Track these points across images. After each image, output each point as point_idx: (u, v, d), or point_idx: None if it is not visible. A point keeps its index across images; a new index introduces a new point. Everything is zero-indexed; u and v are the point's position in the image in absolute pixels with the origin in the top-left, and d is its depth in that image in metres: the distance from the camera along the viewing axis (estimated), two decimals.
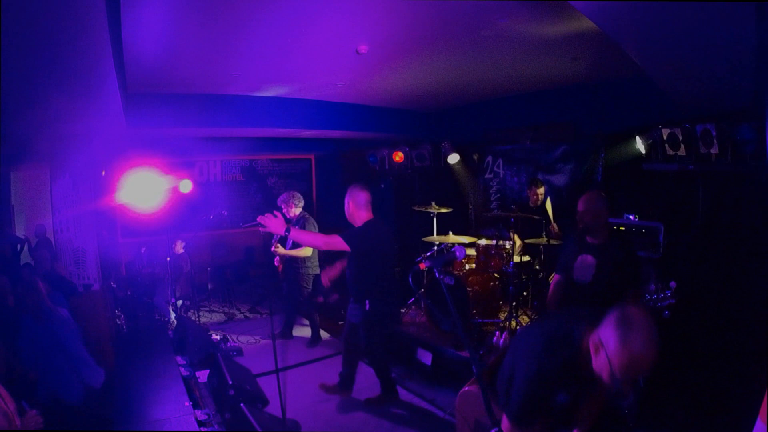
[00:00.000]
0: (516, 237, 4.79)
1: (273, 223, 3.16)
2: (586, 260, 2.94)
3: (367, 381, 4.12)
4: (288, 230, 3.18)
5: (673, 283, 2.46)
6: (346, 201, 3.61)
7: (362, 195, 3.57)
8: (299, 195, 5.08)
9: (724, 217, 3.72)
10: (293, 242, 3.30)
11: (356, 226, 3.56)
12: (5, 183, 4.94)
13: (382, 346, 3.82)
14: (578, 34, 3.33)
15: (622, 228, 4.17)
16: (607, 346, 1.62)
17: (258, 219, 3.17)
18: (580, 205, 2.96)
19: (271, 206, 4.90)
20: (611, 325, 1.63)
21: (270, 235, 4.46)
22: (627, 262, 2.86)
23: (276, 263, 5.09)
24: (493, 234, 5.23)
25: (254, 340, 5.65)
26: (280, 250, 4.94)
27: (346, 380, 4.02)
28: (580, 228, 2.97)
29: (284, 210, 4.93)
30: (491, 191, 6.11)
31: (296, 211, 5.00)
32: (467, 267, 5.00)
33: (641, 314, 1.63)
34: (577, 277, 2.98)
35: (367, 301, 3.57)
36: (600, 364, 1.66)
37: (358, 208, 3.56)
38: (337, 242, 3.38)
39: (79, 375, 3.33)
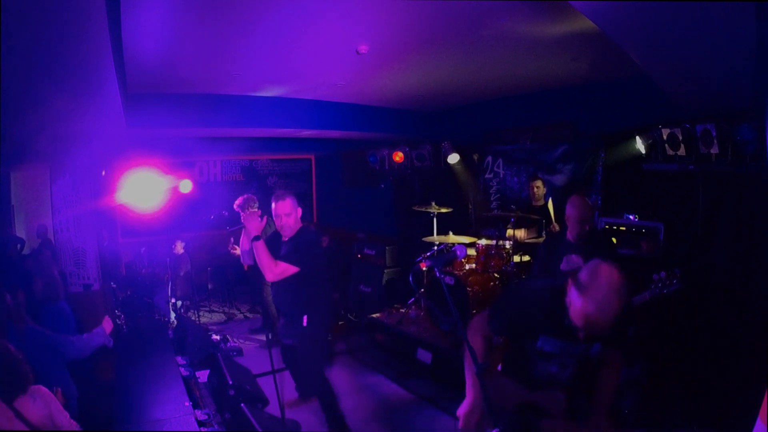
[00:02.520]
0: (516, 231, 4.80)
1: (253, 223, 3.12)
2: (572, 260, 2.98)
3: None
4: (257, 238, 3.09)
5: (677, 270, 2.50)
6: (283, 210, 3.25)
7: (290, 198, 3.29)
8: (255, 198, 4.95)
9: (724, 217, 3.72)
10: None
11: (293, 229, 3.29)
12: (5, 183, 4.93)
13: (320, 374, 3.46)
14: (578, 34, 3.33)
15: (622, 227, 4.18)
16: (571, 290, 1.79)
17: (242, 217, 3.15)
18: (568, 209, 3.07)
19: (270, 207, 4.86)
20: (582, 272, 1.80)
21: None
22: (611, 258, 2.89)
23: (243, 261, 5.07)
24: (493, 234, 5.23)
25: (254, 340, 5.66)
26: (239, 251, 4.90)
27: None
28: (575, 233, 3.07)
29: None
30: (491, 191, 6.11)
31: None
32: (467, 267, 5.00)
33: (610, 269, 1.75)
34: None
35: (304, 317, 3.26)
36: (572, 309, 1.79)
37: (292, 213, 3.26)
38: (285, 270, 3.13)
39: (69, 386, 3.15)
